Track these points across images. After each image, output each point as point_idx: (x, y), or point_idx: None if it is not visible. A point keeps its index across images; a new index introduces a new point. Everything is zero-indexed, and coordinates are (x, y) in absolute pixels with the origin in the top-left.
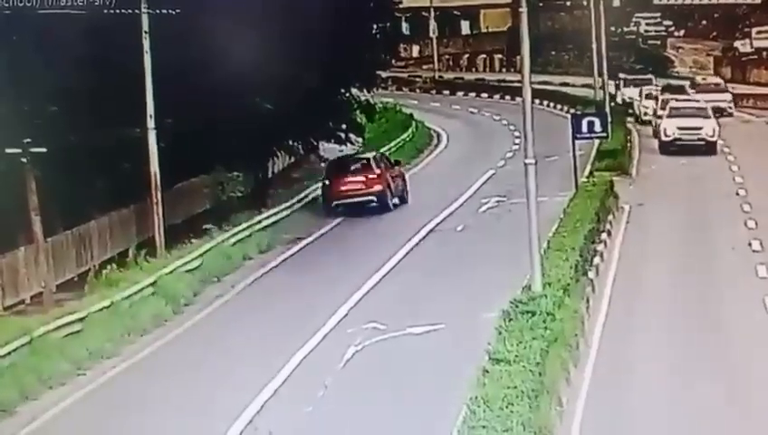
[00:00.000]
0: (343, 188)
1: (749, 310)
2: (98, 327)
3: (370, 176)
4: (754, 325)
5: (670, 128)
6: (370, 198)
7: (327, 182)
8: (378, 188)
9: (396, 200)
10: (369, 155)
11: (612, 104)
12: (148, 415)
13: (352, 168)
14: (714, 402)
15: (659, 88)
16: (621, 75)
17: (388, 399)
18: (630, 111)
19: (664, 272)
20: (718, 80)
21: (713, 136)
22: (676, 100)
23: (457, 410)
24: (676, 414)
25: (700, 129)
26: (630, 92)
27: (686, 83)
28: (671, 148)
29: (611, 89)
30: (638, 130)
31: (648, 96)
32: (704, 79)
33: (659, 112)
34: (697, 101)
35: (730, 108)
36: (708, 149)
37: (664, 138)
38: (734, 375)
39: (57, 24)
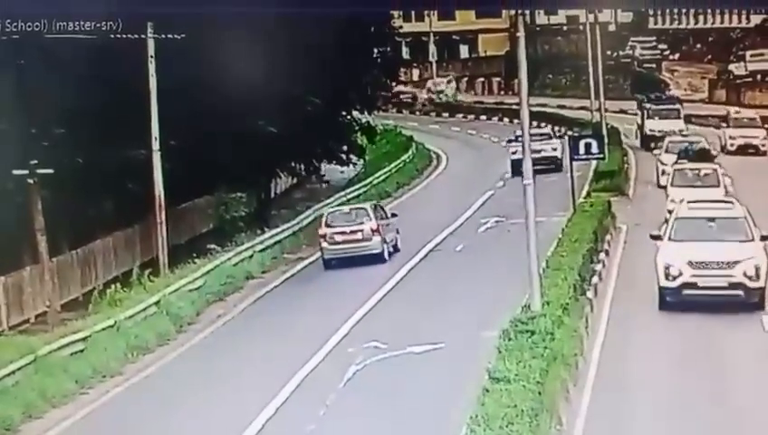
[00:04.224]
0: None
1: (747, 325)
2: (102, 346)
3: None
4: (752, 348)
5: (677, 264)
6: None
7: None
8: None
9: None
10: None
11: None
12: (150, 434)
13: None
14: (711, 423)
15: (685, 131)
16: (646, 105)
17: (389, 418)
18: (653, 144)
19: None
20: (752, 114)
21: (756, 279)
22: (688, 201)
23: (458, 429)
24: (675, 432)
25: (734, 265)
26: (654, 125)
27: (715, 151)
28: (677, 302)
29: (639, 119)
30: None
31: (669, 149)
32: (737, 113)
33: (664, 224)
34: (730, 202)
35: (763, 145)
36: (754, 301)
37: (665, 282)
38: (731, 397)
39: (64, 48)
